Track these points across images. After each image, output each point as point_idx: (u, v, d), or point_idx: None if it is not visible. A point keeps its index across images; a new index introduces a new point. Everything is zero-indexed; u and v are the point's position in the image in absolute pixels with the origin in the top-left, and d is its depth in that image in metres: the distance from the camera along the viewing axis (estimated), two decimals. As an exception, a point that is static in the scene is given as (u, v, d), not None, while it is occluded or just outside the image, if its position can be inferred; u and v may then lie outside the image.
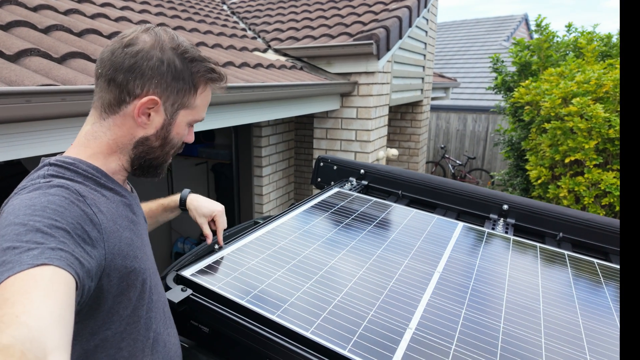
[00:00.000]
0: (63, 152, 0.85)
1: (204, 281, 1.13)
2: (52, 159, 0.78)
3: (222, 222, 1.28)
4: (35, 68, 1.55)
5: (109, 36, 2.33)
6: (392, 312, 1.06)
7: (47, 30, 2.03)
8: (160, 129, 0.84)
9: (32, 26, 1.99)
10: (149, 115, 0.82)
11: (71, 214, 0.67)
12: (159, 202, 1.27)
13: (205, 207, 1.26)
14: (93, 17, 2.67)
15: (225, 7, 5.60)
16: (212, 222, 1.28)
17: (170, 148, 0.88)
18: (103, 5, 3.11)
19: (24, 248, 0.58)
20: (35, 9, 2.32)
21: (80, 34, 2.18)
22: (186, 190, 1.28)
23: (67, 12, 2.49)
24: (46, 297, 0.54)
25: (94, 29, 2.29)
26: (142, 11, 3.46)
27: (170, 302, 1.05)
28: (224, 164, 4.65)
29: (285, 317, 1.00)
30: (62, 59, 1.74)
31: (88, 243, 0.68)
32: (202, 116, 0.90)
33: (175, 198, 1.27)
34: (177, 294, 1.10)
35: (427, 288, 1.21)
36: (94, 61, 1.87)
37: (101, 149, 0.82)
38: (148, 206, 1.23)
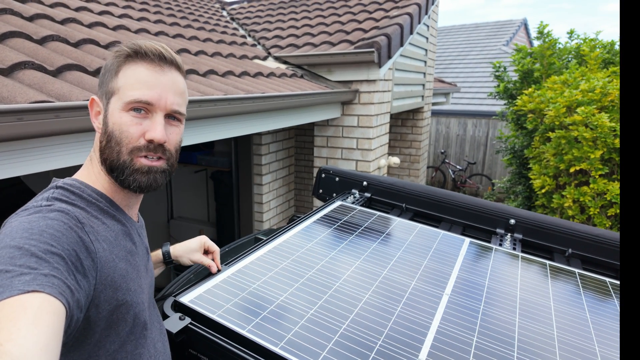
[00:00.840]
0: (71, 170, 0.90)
1: (203, 308, 1.08)
2: (61, 182, 0.80)
3: (214, 246, 1.26)
4: (29, 82, 1.50)
5: (107, 46, 2.28)
6: (401, 342, 1.02)
7: (42, 40, 1.98)
8: (102, 125, 0.82)
9: (28, 37, 1.94)
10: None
11: (68, 239, 0.66)
12: None
13: (192, 244, 1.22)
14: (90, 26, 2.62)
15: (224, 12, 5.57)
16: (205, 253, 1.25)
17: (116, 144, 0.79)
18: (101, 13, 3.06)
19: (17, 272, 0.57)
20: (31, 19, 2.28)
21: (76, 44, 2.13)
22: (166, 244, 1.22)
23: (64, 22, 2.45)
24: (33, 325, 0.53)
25: (91, 38, 2.25)
26: (140, 19, 3.42)
27: (168, 332, 1.00)
28: (223, 171, 4.60)
29: (288, 349, 0.95)
30: (57, 72, 1.69)
31: (79, 271, 0.66)
32: (131, 95, 0.79)
33: (156, 253, 1.19)
34: (175, 323, 1.05)
35: (435, 313, 1.16)
36: (89, 73, 1.82)
37: (94, 169, 0.84)
38: None
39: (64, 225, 0.68)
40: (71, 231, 0.68)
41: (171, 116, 0.84)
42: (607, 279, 1.49)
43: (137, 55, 0.80)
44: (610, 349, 1.07)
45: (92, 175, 0.84)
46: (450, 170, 9.20)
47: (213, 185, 4.81)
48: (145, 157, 0.81)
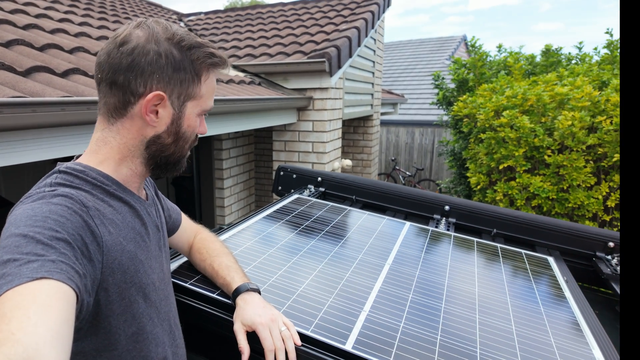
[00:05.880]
0: (77, 156, 0.83)
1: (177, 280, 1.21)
2: (63, 167, 0.77)
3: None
4: (2, 81, 1.57)
5: (71, 51, 2.35)
6: (348, 298, 1.20)
7: (8, 44, 2.03)
8: (171, 125, 0.80)
9: (-8, 40, 2.00)
10: (157, 112, 0.78)
11: (72, 224, 0.65)
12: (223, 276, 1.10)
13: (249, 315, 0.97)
14: (52, 32, 2.67)
15: (182, 24, 5.65)
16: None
17: (184, 142, 0.85)
18: (61, 20, 3.10)
19: (24, 260, 0.57)
20: (-9, 24, 2.31)
21: (41, 49, 2.20)
22: (246, 285, 1.05)
23: (26, 27, 2.49)
24: (44, 313, 0.52)
25: (55, 43, 2.31)
26: (100, 27, 3.47)
27: None
28: (184, 177, 4.66)
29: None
30: (26, 73, 1.77)
31: (85, 256, 0.65)
32: (210, 105, 0.85)
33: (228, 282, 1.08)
34: None
35: (378, 278, 1.36)
36: (58, 75, 1.90)
37: (112, 155, 0.80)
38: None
39: (68, 210, 0.66)
40: (76, 215, 0.67)
41: None
42: (523, 251, 1.77)
43: (218, 66, 0.84)
44: (519, 300, 1.32)
45: (102, 158, 0.80)
46: (400, 177, 9.64)
47: (174, 191, 4.85)
48: None
